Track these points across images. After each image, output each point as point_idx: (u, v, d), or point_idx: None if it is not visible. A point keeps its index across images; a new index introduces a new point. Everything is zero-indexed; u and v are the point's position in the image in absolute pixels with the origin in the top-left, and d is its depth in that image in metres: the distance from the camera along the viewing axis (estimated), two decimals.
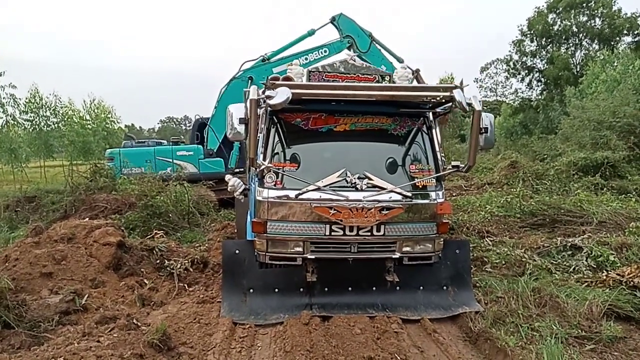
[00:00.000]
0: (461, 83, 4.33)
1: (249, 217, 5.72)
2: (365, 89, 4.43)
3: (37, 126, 18.34)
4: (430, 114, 5.06)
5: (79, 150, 19.24)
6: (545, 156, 17.86)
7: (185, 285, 5.47)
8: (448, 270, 5.02)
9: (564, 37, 33.80)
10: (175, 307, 4.84)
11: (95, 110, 20.99)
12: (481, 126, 4.33)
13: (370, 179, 4.63)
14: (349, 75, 4.96)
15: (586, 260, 5.83)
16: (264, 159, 4.60)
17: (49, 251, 4.94)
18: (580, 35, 33.24)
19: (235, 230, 8.28)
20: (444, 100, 4.68)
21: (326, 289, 4.87)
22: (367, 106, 4.86)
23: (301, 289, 4.85)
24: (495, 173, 15.81)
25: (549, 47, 34.29)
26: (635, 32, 31.17)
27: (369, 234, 4.57)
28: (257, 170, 4.57)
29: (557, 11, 33.01)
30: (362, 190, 4.58)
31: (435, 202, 4.73)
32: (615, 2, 31.30)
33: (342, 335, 4.13)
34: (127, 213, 8.55)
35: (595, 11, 31.97)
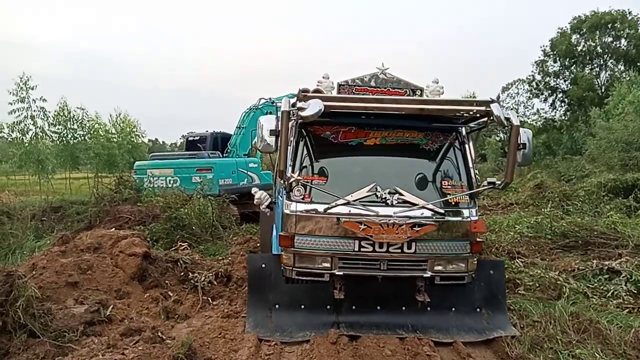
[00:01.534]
0: (498, 97, 4.22)
1: (274, 230, 5.63)
2: (397, 102, 4.33)
3: (64, 138, 18.71)
4: (463, 129, 4.94)
5: (104, 163, 19.49)
6: (572, 177, 17.47)
7: (209, 298, 5.36)
8: (481, 292, 4.82)
9: (588, 58, 33.35)
10: (199, 321, 4.74)
11: (121, 124, 21.29)
12: (519, 142, 4.18)
13: (401, 194, 4.50)
14: (379, 89, 4.91)
15: (625, 285, 5.55)
16: (293, 172, 4.53)
17: (75, 260, 4.91)
18: (605, 56, 32.77)
19: (259, 244, 8.21)
20: (478, 115, 4.57)
21: (354, 307, 4.71)
22: (398, 120, 4.77)
23: (328, 307, 4.70)
24: (520, 193, 15.47)
25: (572, 67, 33.83)
26: None
27: (400, 251, 4.43)
28: (286, 183, 4.49)
29: (581, 32, 32.67)
30: (392, 205, 4.45)
31: (469, 219, 4.57)
32: None
33: (372, 357, 3.97)
34: (151, 224, 8.54)
35: (621, 32, 31.54)
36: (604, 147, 17.76)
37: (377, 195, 4.50)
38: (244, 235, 9.20)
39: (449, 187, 4.70)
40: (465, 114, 4.55)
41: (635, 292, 5.38)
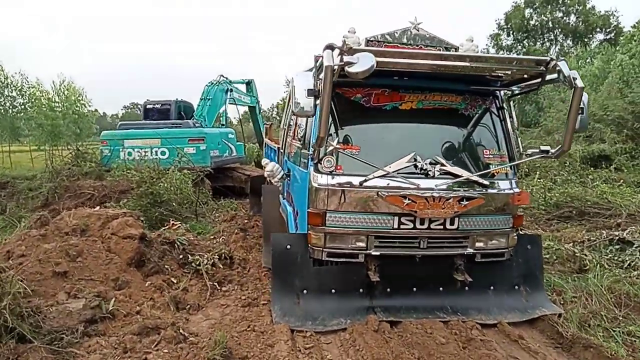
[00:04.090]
0: (557, 56, 3.83)
1: (288, 207, 5.06)
2: (455, 59, 3.81)
3: (1, 107, 16.78)
4: (502, 92, 4.55)
5: (48, 134, 17.76)
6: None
7: (216, 283, 4.73)
8: (519, 268, 4.52)
9: (539, 32, 34.28)
10: (216, 311, 4.13)
11: (65, 92, 19.42)
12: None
13: (443, 164, 4.07)
14: (411, 46, 4.40)
15: None
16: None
17: (61, 246, 4.11)
18: (556, 30, 33.79)
19: (246, 221, 7.59)
20: (525, 77, 4.19)
21: (389, 289, 4.27)
22: (433, 82, 4.29)
23: (361, 290, 4.24)
24: None
25: (525, 41, 34.65)
26: (608, 30, 32.01)
27: (442, 227, 4.02)
28: (315, 152, 3.93)
29: (534, 6, 33.42)
30: (434, 177, 4.02)
31: (512, 192, 4.24)
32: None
33: (424, 345, 3.57)
34: (123, 201, 7.66)
35: (571, 8, 32.56)
36: (562, 119, 18.25)
37: (416, 166, 4.04)
38: (227, 212, 8.52)
39: (491, 156, 4.33)
40: (503, 75, 4.16)
41: None
